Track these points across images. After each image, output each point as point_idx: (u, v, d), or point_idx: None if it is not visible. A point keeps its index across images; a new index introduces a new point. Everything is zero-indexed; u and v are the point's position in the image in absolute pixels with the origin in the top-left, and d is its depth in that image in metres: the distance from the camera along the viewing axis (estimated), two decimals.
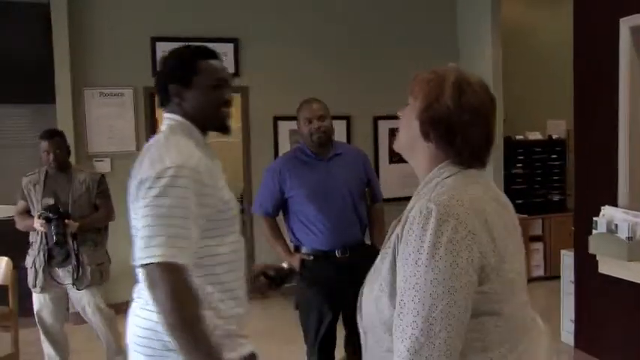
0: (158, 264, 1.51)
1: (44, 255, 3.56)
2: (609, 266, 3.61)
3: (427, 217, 1.15)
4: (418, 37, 6.25)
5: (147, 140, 4.87)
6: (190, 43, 1.87)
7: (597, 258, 3.69)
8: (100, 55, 5.36)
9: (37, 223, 3.49)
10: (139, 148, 5.50)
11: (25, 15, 5.23)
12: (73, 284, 3.59)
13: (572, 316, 4.19)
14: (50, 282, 3.59)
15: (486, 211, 1.22)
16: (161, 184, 1.55)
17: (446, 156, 1.28)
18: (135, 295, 1.75)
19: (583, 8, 4.01)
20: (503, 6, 6.01)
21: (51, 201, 3.52)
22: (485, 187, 1.30)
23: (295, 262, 3.06)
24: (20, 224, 3.71)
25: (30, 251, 3.66)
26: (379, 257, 1.33)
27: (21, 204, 3.71)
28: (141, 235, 1.55)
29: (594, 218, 3.63)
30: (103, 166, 5.23)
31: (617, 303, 3.73)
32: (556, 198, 6.48)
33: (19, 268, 3.72)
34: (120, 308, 3.03)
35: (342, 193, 3.08)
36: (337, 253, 3.05)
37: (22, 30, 5.22)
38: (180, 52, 1.81)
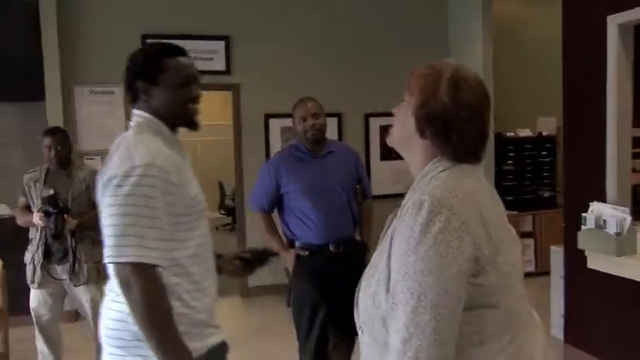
0: (130, 264, 1.54)
1: (42, 251, 3.57)
2: (598, 261, 3.64)
3: (419, 209, 1.15)
4: (409, 34, 6.26)
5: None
6: (158, 41, 1.89)
7: (586, 253, 3.72)
8: (90, 53, 5.34)
9: (36, 217, 3.50)
10: None
11: (14, 12, 5.20)
12: (70, 280, 3.60)
13: (562, 311, 4.23)
14: (48, 278, 3.60)
15: (481, 204, 1.22)
16: (130, 183, 1.57)
17: (441, 152, 1.28)
18: (106, 289, 1.77)
19: (572, 6, 4.03)
20: (494, 3, 6.04)
21: (51, 191, 3.52)
22: (479, 181, 1.30)
23: (291, 257, 3.11)
24: (20, 220, 3.72)
25: (29, 247, 3.67)
26: (376, 252, 1.33)
27: (21, 200, 3.73)
28: (110, 233, 1.56)
29: (583, 214, 3.66)
30: (94, 164, 5.19)
31: (605, 298, 3.77)
32: (546, 194, 6.53)
33: (10, 267, 3.70)
34: None
35: (336, 190, 3.14)
36: (331, 248, 3.10)
37: (11, 27, 5.19)
38: (147, 50, 1.83)
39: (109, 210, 1.58)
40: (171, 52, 1.80)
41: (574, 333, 4.09)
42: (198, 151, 11.68)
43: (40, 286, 3.62)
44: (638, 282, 3.38)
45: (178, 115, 1.80)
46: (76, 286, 3.63)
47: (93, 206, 3.71)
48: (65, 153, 3.66)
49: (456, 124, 1.25)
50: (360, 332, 1.36)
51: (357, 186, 3.35)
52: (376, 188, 5.80)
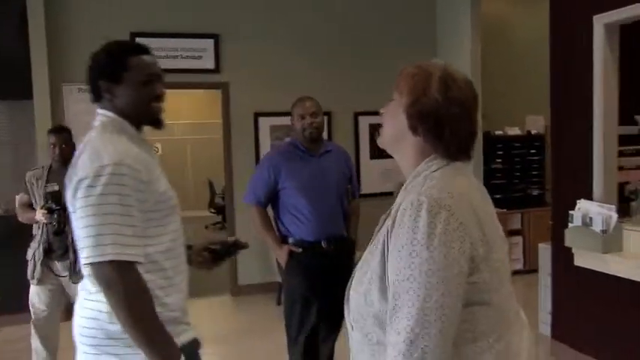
0: (110, 262, 1.54)
1: (44, 248, 3.61)
2: (584, 259, 3.67)
3: (418, 210, 1.16)
4: (397, 34, 6.29)
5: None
6: (120, 39, 1.87)
7: (573, 251, 3.75)
8: (79, 51, 5.30)
9: (39, 214, 3.53)
10: None
11: (1, 9, 5.16)
12: (70, 277, 3.61)
13: (549, 308, 4.26)
14: (48, 274, 3.63)
15: (474, 203, 1.24)
16: (101, 183, 1.57)
17: (434, 149, 1.29)
18: (79, 287, 1.78)
19: (558, 5, 4.07)
20: (482, 3, 6.07)
21: (56, 187, 3.55)
22: (470, 180, 1.32)
23: (284, 253, 3.16)
24: (22, 216, 3.76)
25: (31, 244, 3.70)
26: (367, 251, 1.33)
27: (24, 197, 3.77)
28: (86, 235, 1.56)
29: (570, 212, 3.69)
30: None
31: (592, 294, 3.81)
32: (535, 192, 6.57)
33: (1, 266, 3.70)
34: None
35: (331, 188, 3.22)
36: (323, 244, 3.16)
37: None
38: (110, 48, 1.80)
39: (83, 211, 1.57)
40: (134, 50, 1.80)
41: (561, 329, 4.13)
42: (188, 149, 11.65)
43: (40, 282, 3.65)
44: (623, 279, 3.42)
45: (142, 114, 1.79)
46: (75, 283, 3.64)
47: None
48: (69, 151, 3.67)
49: (448, 121, 1.27)
50: (349, 328, 1.37)
51: (348, 185, 3.41)
52: (365, 187, 5.84)
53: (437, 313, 1.13)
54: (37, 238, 3.64)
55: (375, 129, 6.21)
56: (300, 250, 3.15)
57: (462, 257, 1.16)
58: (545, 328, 4.34)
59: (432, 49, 6.35)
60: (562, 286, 4.11)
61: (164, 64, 6.41)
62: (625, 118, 3.99)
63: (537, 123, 6.68)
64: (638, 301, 3.47)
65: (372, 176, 6.21)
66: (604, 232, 3.46)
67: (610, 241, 3.47)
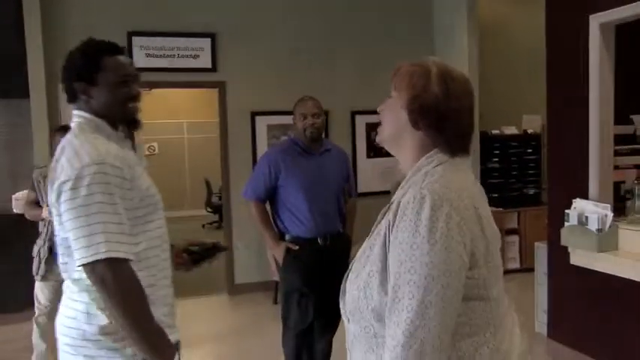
0: (103, 261, 1.54)
1: (48, 246, 3.65)
2: (580, 258, 3.69)
3: (421, 203, 1.18)
4: (394, 33, 6.29)
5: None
6: (95, 39, 1.84)
7: (569, 250, 3.77)
8: None
9: (46, 212, 3.56)
10: None
11: None
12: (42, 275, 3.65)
13: (546, 307, 4.28)
14: (51, 271, 3.65)
15: (475, 199, 1.27)
16: (84, 183, 1.57)
17: (434, 144, 1.31)
18: (64, 287, 1.78)
19: (555, 5, 4.08)
20: (479, 2, 6.08)
21: None
22: (469, 176, 1.34)
23: (281, 249, 3.23)
24: (28, 213, 3.81)
25: (37, 241, 3.75)
26: (366, 244, 1.35)
27: (30, 195, 3.81)
28: (77, 236, 1.56)
29: (566, 211, 3.70)
30: None
31: (588, 293, 3.82)
32: (531, 191, 6.58)
33: None
34: None
35: (330, 186, 3.29)
36: (319, 241, 3.23)
37: None
38: (84, 49, 1.78)
39: (70, 214, 1.57)
40: (109, 50, 1.78)
41: (557, 328, 4.14)
42: (185, 148, 11.65)
43: (44, 278, 3.70)
44: (618, 277, 3.43)
45: (118, 115, 1.79)
46: (43, 281, 3.68)
47: None
48: None
49: (449, 115, 1.29)
50: (345, 321, 1.38)
51: (345, 184, 3.48)
52: (362, 186, 5.85)
53: (437, 306, 1.14)
54: (43, 235, 3.70)
55: (371, 128, 6.25)
56: (297, 247, 3.21)
57: (463, 252, 1.18)
58: (542, 327, 4.35)
59: (429, 48, 6.35)
60: (558, 285, 4.12)
61: (161, 63, 6.42)
62: (621, 118, 4.00)
63: (534, 122, 6.69)
64: (633, 299, 3.48)
65: (368, 175, 6.22)
66: (599, 231, 3.47)
67: (605, 240, 3.49)
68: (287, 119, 3.60)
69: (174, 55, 5.61)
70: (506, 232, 6.22)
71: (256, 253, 5.83)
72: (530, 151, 6.58)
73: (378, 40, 6.23)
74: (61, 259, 1.70)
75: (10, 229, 3.71)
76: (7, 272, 3.64)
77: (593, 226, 3.50)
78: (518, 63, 6.68)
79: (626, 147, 4.20)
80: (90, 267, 1.56)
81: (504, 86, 6.62)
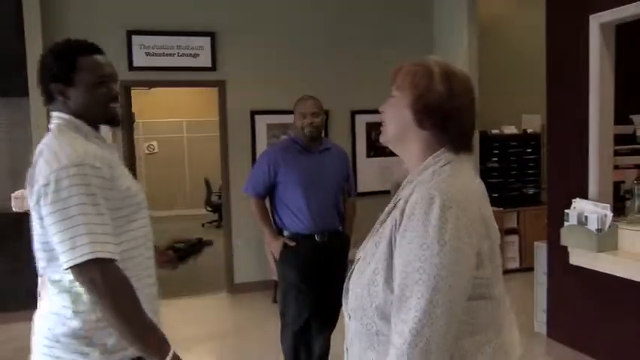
0: (92, 261, 1.53)
1: None
2: (580, 257, 3.69)
3: (430, 204, 1.19)
4: (394, 32, 6.29)
5: (123, 134, 4.82)
6: (70, 39, 1.80)
7: (568, 250, 3.77)
8: None
9: None
10: (114, 140, 5.46)
11: None
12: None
13: (545, 307, 4.28)
14: None
15: (480, 200, 1.29)
16: (65, 186, 1.54)
17: (440, 143, 1.32)
18: (40, 289, 1.77)
19: (555, 5, 4.08)
20: (479, 1, 6.07)
21: None
22: (474, 175, 1.36)
23: (278, 245, 3.29)
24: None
25: None
26: (371, 242, 1.36)
27: None
28: (61, 239, 1.54)
29: (566, 211, 3.70)
30: None
31: (587, 293, 3.82)
32: (531, 191, 6.59)
33: None
34: None
35: (328, 184, 3.32)
36: (317, 237, 3.28)
37: None
38: (59, 50, 1.74)
39: (53, 217, 1.54)
40: (85, 50, 1.74)
41: (556, 328, 4.15)
42: (185, 147, 11.64)
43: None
44: (618, 277, 3.44)
45: (98, 115, 1.76)
46: None
47: None
48: None
49: (453, 114, 1.30)
50: (346, 318, 1.39)
51: (344, 184, 3.51)
52: (362, 185, 5.85)
53: (444, 306, 1.16)
54: None
55: (371, 127, 6.25)
56: (294, 243, 3.26)
57: (471, 252, 1.20)
58: (541, 327, 4.35)
59: (428, 47, 6.35)
60: (558, 284, 4.13)
61: (161, 62, 6.43)
62: (620, 118, 4.00)
63: (533, 122, 6.69)
64: (633, 299, 3.48)
65: (368, 174, 6.22)
66: (599, 230, 3.48)
67: (605, 240, 3.49)
68: (287, 118, 3.61)
69: (173, 54, 5.61)
70: (506, 231, 6.22)
71: (256, 253, 5.83)
72: (529, 150, 6.59)
73: (377, 40, 6.23)
74: (40, 263, 1.67)
75: (10, 228, 3.70)
76: (7, 271, 3.64)
77: (592, 225, 3.50)
78: (518, 63, 6.68)
79: (625, 147, 4.20)
80: (77, 269, 1.54)
81: (504, 86, 6.62)
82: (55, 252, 1.58)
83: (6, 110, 5.39)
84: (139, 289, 1.66)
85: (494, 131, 6.48)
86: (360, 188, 6.01)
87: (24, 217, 3.67)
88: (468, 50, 5.97)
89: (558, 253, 3.93)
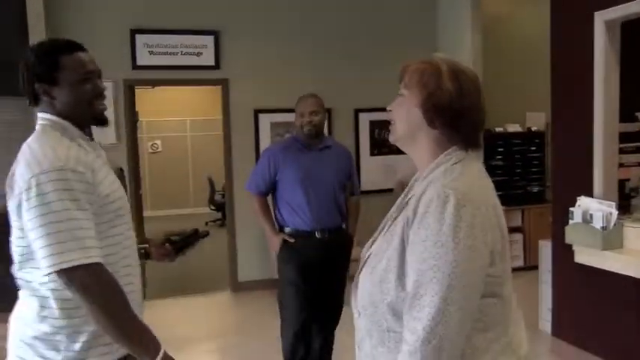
0: (82, 267, 1.52)
1: None
2: (585, 255, 3.67)
3: (445, 202, 1.19)
4: (398, 30, 6.28)
5: (127, 132, 4.80)
6: (51, 38, 1.79)
7: (573, 248, 3.76)
8: None
9: None
10: (119, 140, 5.47)
11: (0, 4, 5.14)
12: None
13: (550, 305, 4.27)
14: None
15: (493, 198, 1.30)
16: (46, 190, 1.53)
17: (450, 142, 1.33)
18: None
19: (559, 1, 4.06)
20: None
21: None
22: (484, 171, 1.37)
23: (277, 241, 3.34)
24: None
25: None
26: (381, 239, 1.36)
27: None
28: (44, 244, 1.52)
29: (570, 209, 3.69)
30: None
31: (592, 291, 3.81)
32: (535, 189, 6.57)
33: None
34: None
35: (327, 181, 3.33)
36: (317, 235, 3.31)
37: None
38: (40, 49, 1.71)
39: (35, 222, 1.53)
40: (66, 48, 1.71)
41: (561, 326, 4.14)
42: (189, 146, 11.65)
43: None
44: (623, 275, 3.42)
45: (84, 114, 1.73)
46: None
47: None
48: None
49: (463, 112, 1.31)
50: (356, 315, 1.40)
51: (347, 182, 3.51)
52: (365, 184, 5.85)
53: (458, 304, 1.17)
54: None
55: (375, 126, 6.24)
56: (293, 240, 3.30)
57: (485, 250, 1.21)
58: (546, 325, 4.34)
59: (432, 45, 6.34)
60: (562, 283, 4.11)
61: (164, 60, 6.43)
62: (626, 115, 3.98)
63: (538, 120, 6.67)
64: (638, 297, 3.47)
65: (372, 173, 6.21)
66: (604, 228, 3.46)
67: (610, 238, 3.48)
68: (290, 117, 3.61)
69: (177, 53, 5.61)
70: (510, 230, 6.16)
71: (260, 251, 5.83)
72: (533, 148, 6.56)
73: (381, 38, 6.21)
74: (16, 267, 1.67)
75: (10, 227, 3.70)
76: (7, 270, 3.63)
77: (597, 223, 3.49)
78: (522, 60, 6.65)
79: (631, 145, 4.18)
80: (66, 275, 1.52)
81: (508, 84, 6.59)
82: (29, 255, 1.58)
83: (9, 110, 5.39)
84: None
85: (498, 129, 6.46)
86: (364, 186, 6.00)
87: None
88: (472, 48, 5.95)
89: (563, 252, 3.92)
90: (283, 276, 3.38)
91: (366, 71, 6.13)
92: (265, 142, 5.85)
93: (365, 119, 6.23)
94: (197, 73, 5.75)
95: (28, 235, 1.56)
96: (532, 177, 6.57)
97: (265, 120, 5.91)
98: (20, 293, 1.71)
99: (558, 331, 4.16)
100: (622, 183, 3.94)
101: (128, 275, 1.76)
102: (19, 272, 1.67)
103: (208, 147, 11.04)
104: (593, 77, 3.69)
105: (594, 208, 3.55)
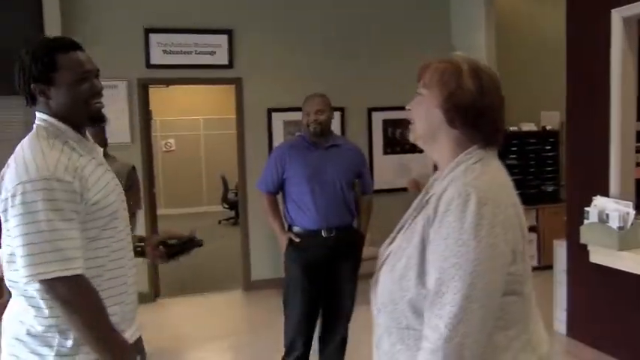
0: (62, 279, 1.53)
1: None
2: (600, 256, 3.64)
3: (466, 200, 1.19)
4: (411, 28, 6.25)
5: (141, 131, 4.81)
6: (47, 37, 1.75)
7: (589, 248, 3.72)
8: (93, 47, 5.28)
9: None
10: (133, 139, 5.50)
11: (15, 5, 5.18)
12: None
13: (565, 305, 4.23)
14: None
15: (513, 197, 1.31)
16: (32, 199, 1.53)
17: (471, 141, 1.33)
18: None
19: None
20: None
21: None
22: (503, 170, 1.37)
23: (284, 239, 3.39)
24: None
25: None
26: (401, 237, 1.37)
27: None
28: (25, 253, 1.53)
29: (586, 208, 3.66)
30: None
31: (608, 292, 3.77)
32: (549, 189, 6.51)
33: None
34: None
35: (333, 180, 3.33)
36: (323, 233, 3.31)
37: (15, 19, 5.17)
38: (36, 49, 1.67)
39: (19, 229, 1.54)
40: (62, 47, 1.68)
41: (577, 327, 4.10)
42: (202, 145, 11.70)
43: None
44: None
45: (81, 114, 1.71)
46: None
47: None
48: (103, 144, 3.73)
49: (484, 112, 1.31)
50: (375, 312, 1.40)
51: (357, 180, 3.52)
52: (379, 182, 5.83)
53: (480, 301, 1.17)
54: None
55: (388, 124, 6.22)
56: (299, 240, 3.32)
57: (506, 248, 1.21)
58: (560, 326, 4.31)
59: (446, 44, 6.30)
60: (577, 283, 4.08)
61: (178, 59, 6.43)
62: None
63: (552, 119, 6.61)
64: None
65: (385, 172, 6.19)
66: (621, 228, 3.43)
67: (627, 238, 3.44)
68: None
69: (191, 52, 5.63)
70: None
71: (272, 250, 5.83)
72: (548, 147, 6.51)
73: (395, 37, 6.19)
74: (4, 266, 1.67)
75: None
76: None
77: (614, 223, 3.45)
78: (537, 58, 6.60)
79: None
80: (46, 285, 1.54)
81: (522, 82, 6.53)
82: (15, 256, 1.58)
83: (25, 108, 5.43)
84: (107, 304, 1.67)
85: (513, 128, 6.41)
86: (377, 185, 5.96)
87: None
88: (486, 46, 5.91)
89: (578, 252, 3.88)
90: (288, 275, 3.41)
91: (378, 70, 6.11)
92: (278, 140, 5.85)
93: (378, 118, 6.21)
94: (211, 72, 5.76)
95: (12, 240, 1.58)
96: (546, 176, 6.52)
97: (278, 119, 5.91)
98: (12, 292, 1.72)
99: (573, 331, 4.12)
100: (638, 182, 3.89)
101: (123, 276, 1.77)
102: (6, 272, 1.67)
103: (221, 146, 11.07)
104: (610, 75, 3.65)
105: (611, 208, 3.51)
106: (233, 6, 5.76)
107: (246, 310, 5.61)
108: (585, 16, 3.90)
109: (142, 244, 2.06)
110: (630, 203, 3.45)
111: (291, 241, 3.36)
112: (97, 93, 1.74)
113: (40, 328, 1.63)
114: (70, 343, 1.64)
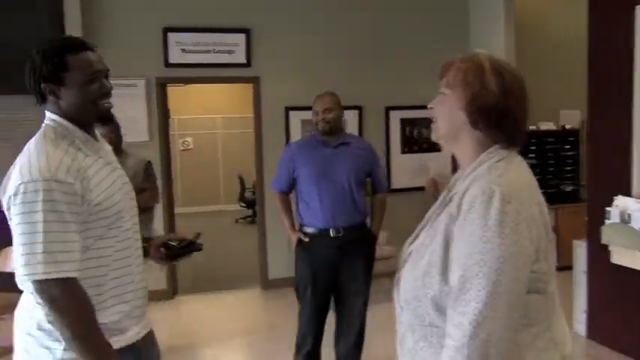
0: (51, 280, 1.54)
1: None
2: (622, 256, 3.59)
3: (490, 197, 1.19)
4: (429, 27, 6.21)
5: (159, 130, 4.84)
6: (58, 37, 1.76)
7: (610, 248, 3.67)
8: (112, 46, 5.38)
9: None
10: (151, 138, 5.54)
11: (38, 4, 5.25)
12: None
13: (584, 307, 4.18)
14: None
15: (538, 196, 1.30)
16: (31, 200, 1.55)
17: (494, 141, 1.33)
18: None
19: None
20: None
21: None
22: (527, 168, 1.36)
23: (295, 238, 3.43)
24: None
25: None
26: (424, 235, 1.37)
27: None
28: (21, 252, 1.55)
29: (607, 208, 3.61)
30: None
31: (629, 293, 3.72)
32: (569, 188, 6.44)
33: None
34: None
35: (341, 179, 3.31)
36: (331, 233, 3.30)
37: (35, 20, 5.24)
38: (46, 49, 1.68)
39: (18, 228, 1.57)
40: (73, 47, 1.70)
41: (596, 328, 4.05)
42: (219, 143, 11.75)
43: None
44: None
45: (90, 114, 1.74)
46: None
47: (140, 191, 3.86)
48: (117, 141, 3.80)
49: (507, 113, 1.30)
50: (398, 309, 1.41)
51: (368, 179, 3.51)
52: (396, 182, 5.82)
53: (505, 298, 1.17)
54: None
55: (406, 124, 6.20)
56: (307, 239, 3.34)
57: (530, 246, 1.21)
58: (580, 327, 4.25)
59: (464, 42, 6.26)
60: (598, 284, 4.02)
61: (196, 58, 6.48)
62: None
63: (572, 118, 6.54)
64: None
65: (402, 171, 6.17)
66: None
67: None
68: None
69: (209, 51, 5.65)
70: None
71: (289, 249, 5.83)
72: (567, 147, 6.44)
73: (412, 35, 6.16)
74: (14, 263, 1.68)
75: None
76: None
77: (636, 224, 3.40)
78: (556, 57, 6.52)
79: None
80: (37, 285, 1.56)
81: (542, 81, 6.46)
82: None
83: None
84: (108, 305, 1.68)
85: (532, 127, 6.34)
86: (395, 185, 5.97)
87: None
88: (505, 45, 5.85)
89: (599, 252, 3.83)
90: (298, 273, 3.44)
91: (396, 69, 6.08)
92: (296, 139, 5.84)
93: (396, 117, 6.19)
94: (229, 70, 5.78)
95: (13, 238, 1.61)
96: (566, 176, 6.44)
97: (296, 117, 5.91)
98: (22, 288, 1.75)
99: (593, 333, 4.07)
100: None
101: (129, 275, 1.78)
102: (16, 269, 1.70)
103: (239, 144, 11.11)
104: (633, 73, 3.59)
105: (633, 208, 3.46)
106: (251, 5, 5.78)
107: (263, 308, 5.63)
108: (607, 13, 3.85)
109: (147, 244, 2.07)
110: None
111: (300, 240, 3.38)
112: (107, 93, 1.76)
113: (47, 323, 1.65)
114: None
